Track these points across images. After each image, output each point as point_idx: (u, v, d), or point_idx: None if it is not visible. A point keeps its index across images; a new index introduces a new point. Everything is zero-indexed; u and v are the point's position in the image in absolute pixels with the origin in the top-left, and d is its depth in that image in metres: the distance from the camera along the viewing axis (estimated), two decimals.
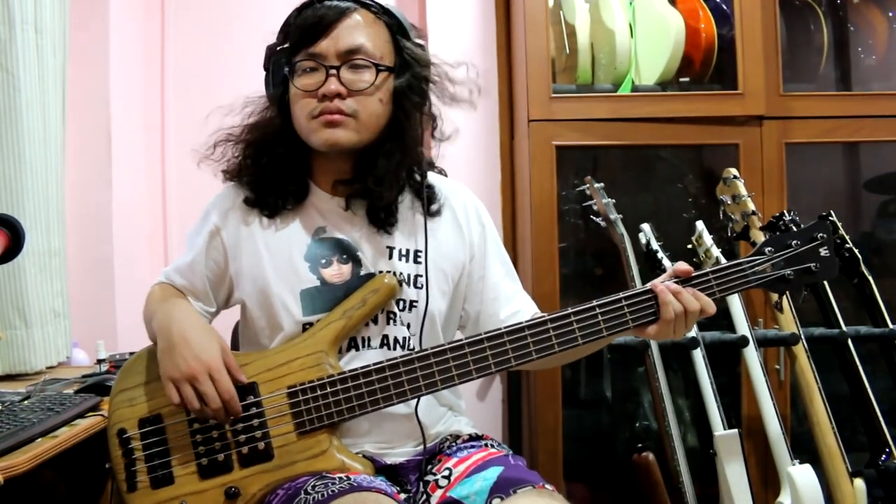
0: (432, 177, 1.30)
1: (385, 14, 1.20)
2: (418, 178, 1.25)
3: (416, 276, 1.23)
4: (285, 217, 1.24)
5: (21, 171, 1.72)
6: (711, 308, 1.12)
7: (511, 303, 1.28)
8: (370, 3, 1.19)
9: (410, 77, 1.19)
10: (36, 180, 1.76)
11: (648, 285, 1.13)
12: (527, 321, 1.13)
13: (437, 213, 1.26)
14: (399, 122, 1.20)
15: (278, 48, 1.20)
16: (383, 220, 1.22)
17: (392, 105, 1.19)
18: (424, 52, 1.22)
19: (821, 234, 1.15)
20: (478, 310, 1.29)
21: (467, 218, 1.30)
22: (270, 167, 1.22)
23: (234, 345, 1.45)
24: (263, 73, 1.24)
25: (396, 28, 1.20)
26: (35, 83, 1.76)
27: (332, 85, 1.14)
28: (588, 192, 1.90)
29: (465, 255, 1.28)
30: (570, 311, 1.12)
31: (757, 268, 1.14)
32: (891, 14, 2.20)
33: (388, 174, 1.19)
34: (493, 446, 1.24)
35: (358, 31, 1.16)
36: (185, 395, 1.10)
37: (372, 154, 1.20)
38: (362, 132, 1.17)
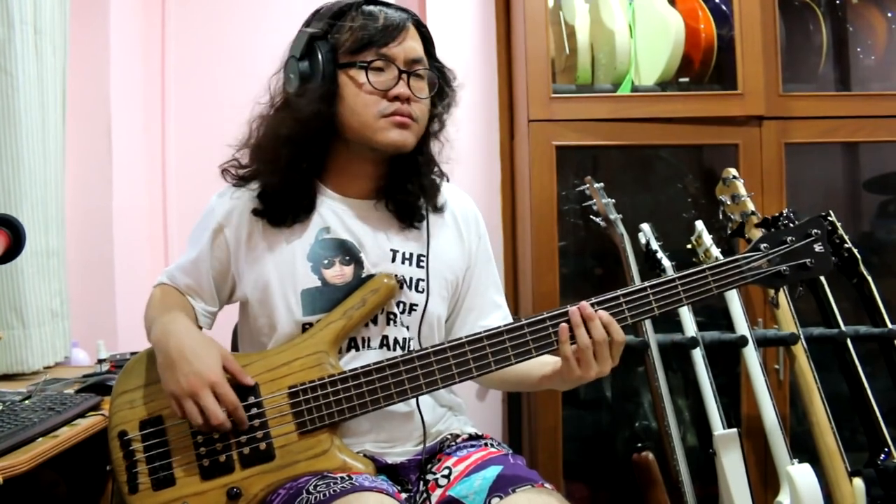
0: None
1: (425, 29, 1.24)
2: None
3: (418, 279, 1.23)
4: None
5: (19, 172, 1.72)
6: (620, 336, 1.10)
7: (485, 318, 1.30)
8: (419, 18, 1.24)
9: (441, 90, 1.24)
10: (34, 181, 1.76)
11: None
12: (526, 319, 1.13)
13: (441, 219, 1.28)
14: (430, 131, 1.25)
15: (326, 38, 1.17)
16: (411, 217, 1.24)
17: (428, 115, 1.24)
18: (446, 68, 1.27)
19: (815, 230, 1.16)
20: (454, 319, 1.32)
21: (468, 227, 1.32)
22: (290, 172, 1.19)
23: (234, 346, 1.46)
24: (272, 72, 1.24)
25: (431, 44, 1.25)
26: (34, 84, 1.76)
27: (404, 88, 1.16)
28: (588, 192, 1.90)
29: (464, 264, 1.30)
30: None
31: (753, 264, 1.15)
32: (890, 14, 2.20)
33: (429, 180, 1.25)
34: (492, 445, 1.24)
35: (417, 42, 1.21)
36: (187, 411, 1.09)
37: (406, 158, 1.22)
38: (418, 137, 1.21)
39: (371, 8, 1.19)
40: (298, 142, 1.18)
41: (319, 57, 1.16)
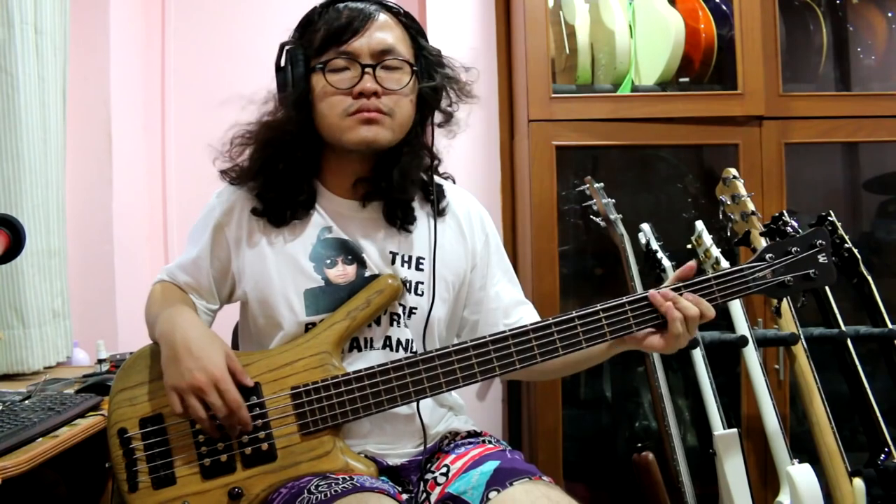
0: (439, 182, 1.29)
1: (405, 17, 1.21)
2: (427, 180, 1.26)
3: (418, 282, 1.23)
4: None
5: (20, 172, 1.72)
6: (711, 312, 1.12)
7: (511, 315, 1.29)
8: (393, 6, 1.20)
9: (431, 79, 1.21)
10: (35, 181, 1.76)
11: (647, 293, 1.13)
12: (531, 324, 1.13)
13: (442, 220, 1.27)
14: (420, 124, 1.22)
15: (297, 45, 1.18)
16: (401, 218, 1.22)
17: (416, 106, 1.21)
18: (440, 54, 1.23)
19: (819, 241, 1.17)
20: (477, 319, 1.30)
21: (471, 226, 1.30)
22: (284, 173, 1.20)
23: (234, 345, 1.45)
24: (272, 72, 1.22)
25: (416, 31, 1.22)
26: (34, 84, 1.76)
27: (369, 83, 1.14)
28: (588, 192, 1.90)
29: (467, 264, 1.29)
30: (574, 314, 1.12)
31: (757, 274, 1.16)
32: (890, 14, 2.20)
33: (409, 173, 1.21)
34: (490, 442, 1.24)
35: (388, 32, 1.17)
36: (189, 407, 1.08)
37: (394, 154, 1.20)
38: (396, 131, 1.18)
39: (336, 6, 1.18)
40: (283, 149, 1.18)
41: (290, 66, 1.17)
